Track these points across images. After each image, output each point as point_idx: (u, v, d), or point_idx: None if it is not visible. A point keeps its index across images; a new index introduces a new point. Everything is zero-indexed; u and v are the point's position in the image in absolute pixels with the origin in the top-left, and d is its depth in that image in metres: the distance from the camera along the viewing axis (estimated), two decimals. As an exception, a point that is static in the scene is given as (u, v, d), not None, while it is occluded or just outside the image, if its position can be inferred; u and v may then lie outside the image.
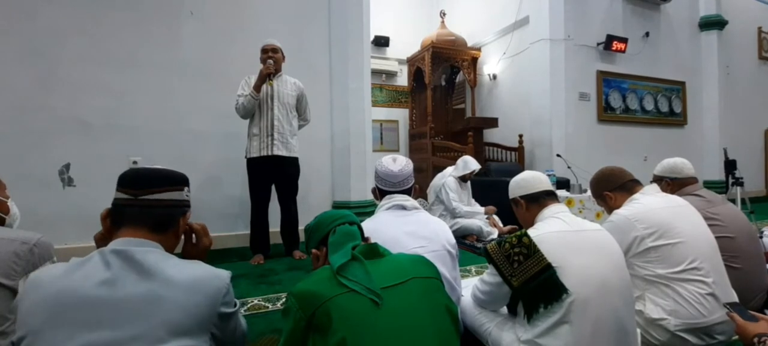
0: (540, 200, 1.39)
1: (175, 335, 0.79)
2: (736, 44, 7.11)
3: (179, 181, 1.01)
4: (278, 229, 3.11)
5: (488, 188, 4.20)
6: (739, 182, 3.99)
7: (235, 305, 0.94)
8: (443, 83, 7.23)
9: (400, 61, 6.99)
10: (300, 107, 3.12)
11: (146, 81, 3.24)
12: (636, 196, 1.63)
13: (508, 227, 3.72)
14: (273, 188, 3.05)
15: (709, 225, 1.58)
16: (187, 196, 1.03)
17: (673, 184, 1.95)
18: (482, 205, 3.83)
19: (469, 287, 1.49)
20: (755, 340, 1.06)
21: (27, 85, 2.90)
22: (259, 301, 2.15)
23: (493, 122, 5.97)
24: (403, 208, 1.51)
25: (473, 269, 2.77)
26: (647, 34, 6.08)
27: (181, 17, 3.39)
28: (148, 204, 0.93)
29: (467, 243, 3.44)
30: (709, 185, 6.05)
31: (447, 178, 3.70)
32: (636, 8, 6.05)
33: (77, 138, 3.03)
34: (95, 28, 3.09)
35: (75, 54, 3.03)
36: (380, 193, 1.60)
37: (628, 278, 1.25)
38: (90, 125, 3.07)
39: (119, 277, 0.81)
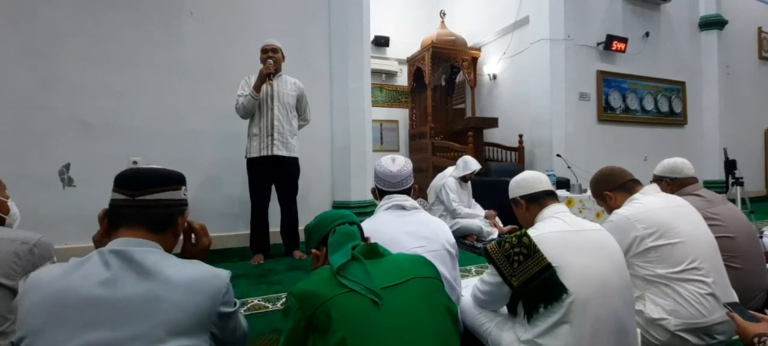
0: (540, 199, 1.39)
1: (174, 335, 0.79)
2: (736, 44, 7.11)
3: (176, 180, 1.00)
4: (278, 229, 3.11)
5: (488, 188, 4.20)
6: (739, 182, 4.00)
7: (235, 305, 0.94)
8: (443, 83, 7.23)
9: (400, 61, 6.99)
10: (300, 107, 3.12)
11: (146, 81, 3.24)
12: (636, 196, 1.63)
13: (508, 227, 3.71)
14: (273, 187, 3.05)
15: (709, 225, 1.58)
16: (184, 195, 1.02)
17: (673, 184, 1.95)
18: (482, 205, 3.83)
19: (469, 287, 1.49)
20: (755, 340, 1.06)
21: (27, 85, 2.90)
22: (259, 301, 2.15)
23: (493, 122, 5.97)
24: (403, 208, 1.51)
25: (473, 269, 2.77)
26: (647, 34, 6.08)
27: (181, 17, 3.39)
28: (146, 204, 0.93)
29: (467, 243, 3.44)
30: (709, 184, 6.05)
31: (447, 178, 3.70)
32: (636, 8, 6.05)
33: (77, 138, 3.03)
34: (95, 28, 3.09)
35: (75, 54, 3.03)
36: (380, 193, 1.61)
37: (628, 278, 1.25)
38: (90, 125, 3.07)
39: (119, 277, 0.81)
